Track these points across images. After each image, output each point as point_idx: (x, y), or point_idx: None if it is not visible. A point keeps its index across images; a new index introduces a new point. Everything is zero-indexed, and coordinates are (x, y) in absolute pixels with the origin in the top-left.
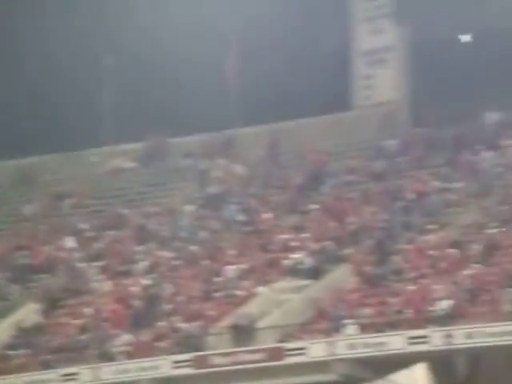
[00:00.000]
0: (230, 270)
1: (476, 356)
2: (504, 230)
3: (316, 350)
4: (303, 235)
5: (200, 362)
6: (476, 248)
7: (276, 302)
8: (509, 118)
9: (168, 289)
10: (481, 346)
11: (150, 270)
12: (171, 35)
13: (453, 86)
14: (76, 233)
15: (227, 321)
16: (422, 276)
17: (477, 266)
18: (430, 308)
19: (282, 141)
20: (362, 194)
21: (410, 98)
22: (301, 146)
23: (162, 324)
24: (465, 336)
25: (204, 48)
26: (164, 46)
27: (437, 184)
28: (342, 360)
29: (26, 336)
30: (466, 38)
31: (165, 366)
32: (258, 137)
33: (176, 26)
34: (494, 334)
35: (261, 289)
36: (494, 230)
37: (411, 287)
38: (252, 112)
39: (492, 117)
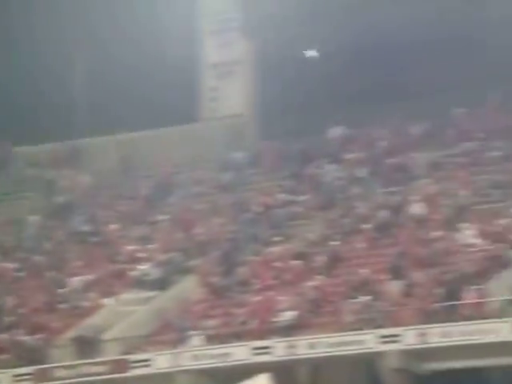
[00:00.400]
0: (76, 282)
1: (318, 366)
2: (346, 242)
3: (161, 361)
4: (150, 246)
5: (41, 376)
6: (320, 260)
7: (121, 314)
8: (351, 133)
9: (10, 300)
10: (323, 356)
11: None
12: (19, 45)
13: (299, 100)
14: None
15: (72, 333)
16: (267, 287)
17: (320, 277)
18: (275, 319)
19: (130, 151)
20: (210, 206)
21: (257, 110)
22: (149, 156)
23: (3, 336)
24: (307, 346)
25: (51, 57)
26: (10, 54)
27: (283, 196)
28: (186, 371)
29: None
30: (312, 53)
31: (5, 379)
32: (105, 147)
33: (22, 33)
34: (335, 344)
35: (106, 300)
36: (337, 242)
37: (256, 298)
38: (100, 122)
39: (335, 131)
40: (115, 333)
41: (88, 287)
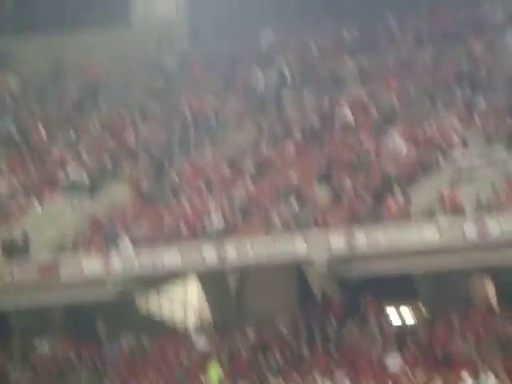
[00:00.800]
0: (4, 186)
1: (246, 270)
2: (276, 147)
3: (91, 266)
4: (79, 151)
5: None
6: (249, 165)
7: (50, 219)
8: (283, 37)
9: None
10: (252, 262)
11: None
12: None
13: (230, 3)
14: None
15: (0, 237)
16: (197, 193)
17: (249, 183)
18: (204, 225)
19: (59, 54)
20: (140, 111)
21: (188, 13)
22: (79, 60)
23: None
24: (236, 252)
25: None
26: None
27: (213, 102)
28: (117, 276)
29: None
30: None
31: None
32: (35, 49)
33: None
34: (264, 250)
35: (35, 205)
36: (267, 148)
37: (186, 204)
38: (27, 23)
39: (267, 35)
40: (44, 238)
41: (16, 191)
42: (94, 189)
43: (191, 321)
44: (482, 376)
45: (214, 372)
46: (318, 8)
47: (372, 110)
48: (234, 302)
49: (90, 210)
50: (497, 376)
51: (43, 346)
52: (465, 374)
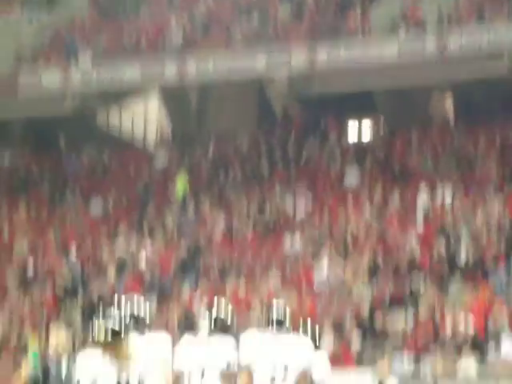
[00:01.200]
0: None
1: (207, 86)
2: None
3: (50, 79)
4: None
5: None
6: None
7: (8, 31)
8: None
9: None
10: (211, 76)
11: None
12: None
13: None
14: None
15: None
16: (158, 7)
17: None
18: (165, 39)
19: None
20: None
21: None
22: None
23: None
24: (196, 66)
25: None
26: None
27: None
28: (76, 90)
29: None
30: None
31: None
32: None
33: None
34: (224, 65)
35: None
36: None
37: (146, 18)
38: None
39: None
40: (1, 51)
41: None
42: (51, 1)
43: (152, 136)
44: (439, 187)
45: (181, 183)
46: None
47: None
48: (195, 118)
49: (48, 23)
50: (453, 188)
51: (3, 159)
52: (422, 186)
